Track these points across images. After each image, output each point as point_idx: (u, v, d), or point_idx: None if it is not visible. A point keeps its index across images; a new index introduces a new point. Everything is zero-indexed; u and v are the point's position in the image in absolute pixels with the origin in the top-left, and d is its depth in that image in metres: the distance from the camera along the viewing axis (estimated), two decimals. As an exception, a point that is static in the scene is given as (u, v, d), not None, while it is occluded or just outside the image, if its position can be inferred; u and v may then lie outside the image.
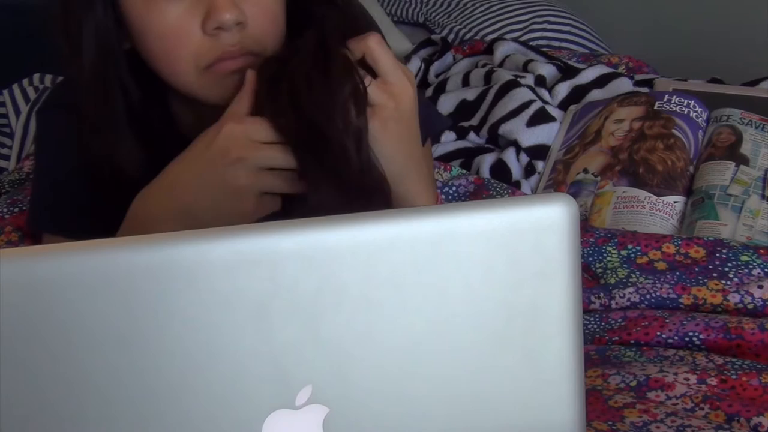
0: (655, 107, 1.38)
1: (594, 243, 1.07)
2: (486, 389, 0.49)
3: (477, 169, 1.39)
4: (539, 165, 1.40)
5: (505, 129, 1.43)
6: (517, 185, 1.34)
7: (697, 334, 0.92)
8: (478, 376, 0.49)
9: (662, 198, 1.25)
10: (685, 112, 1.36)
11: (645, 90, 1.50)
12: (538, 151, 1.41)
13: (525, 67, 1.57)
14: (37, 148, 0.95)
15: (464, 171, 1.31)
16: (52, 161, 0.89)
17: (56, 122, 0.87)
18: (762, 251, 1.02)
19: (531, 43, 1.74)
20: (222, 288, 0.45)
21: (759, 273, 1.00)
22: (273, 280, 0.45)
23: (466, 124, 1.48)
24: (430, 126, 0.96)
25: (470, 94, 1.52)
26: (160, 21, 0.74)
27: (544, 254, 0.48)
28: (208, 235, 0.46)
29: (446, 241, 0.47)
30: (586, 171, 1.33)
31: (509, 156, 1.39)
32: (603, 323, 0.97)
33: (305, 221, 0.46)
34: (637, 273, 1.03)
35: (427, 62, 1.71)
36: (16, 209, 1.12)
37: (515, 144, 1.41)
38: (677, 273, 1.01)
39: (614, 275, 1.03)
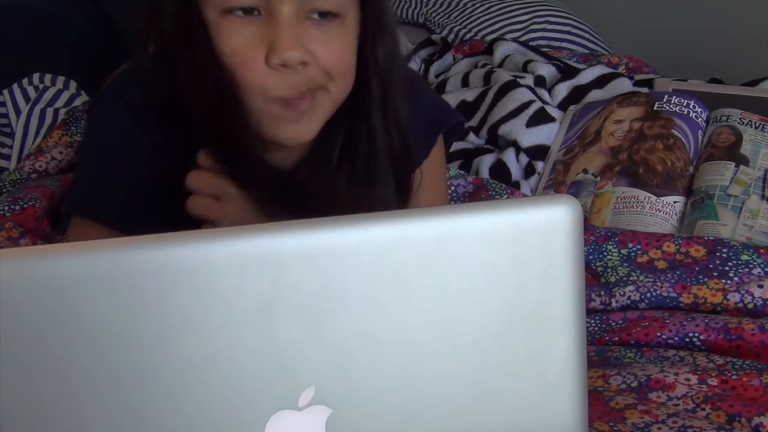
0: (655, 107, 1.37)
1: (594, 242, 1.07)
2: (489, 390, 0.49)
3: (476, 169, 1.38)
4: (539, 165, 1.40)
5: (504, 129, 1.43)
6: (516, 186, 1.34)
7: (697, 334, 0.92)
8: (481, 376, 0.49)
9: (662, 198, 1.25)
10: (685, 113, 1.36)
11: (645, 90, 1.49)
12: (538, 152, 1.41)
13: (525, 68, 1.57)
14: (89, 135, 0.95)
15: (461, 172, 1.31)
16: (100, 151, 0.88)
17: (114, 114, 0.87)
18: (762, 251, 1.02)
19: (531, 43, 1.73)
20: (225, 288, 0.45)
21: (759, 272, 1.00)
22: (276, 281, 0.45)
23: (465, 124, 1.48)
24: (441, 124, 0.97)
25: (470, 95, 1.52)
26: (228, 42, 0.77)
27: (548, 256, 0.48)
28: (210, 235, 0.46)
29: (450, 242, 0.47)
30: (585, 171, 1.33)
31: (509, 156, 1.39)
32: (603, 324, 0.97)
33: (309, 222, 0.46)
34: (638, 272, 1.03)
35: (427, 62, 1.70)
36: (17, 207, 1.11)
37: (515, 144, 1.41)
38: (677, 272, 1.01)
39: (614, 274, 1.03)
